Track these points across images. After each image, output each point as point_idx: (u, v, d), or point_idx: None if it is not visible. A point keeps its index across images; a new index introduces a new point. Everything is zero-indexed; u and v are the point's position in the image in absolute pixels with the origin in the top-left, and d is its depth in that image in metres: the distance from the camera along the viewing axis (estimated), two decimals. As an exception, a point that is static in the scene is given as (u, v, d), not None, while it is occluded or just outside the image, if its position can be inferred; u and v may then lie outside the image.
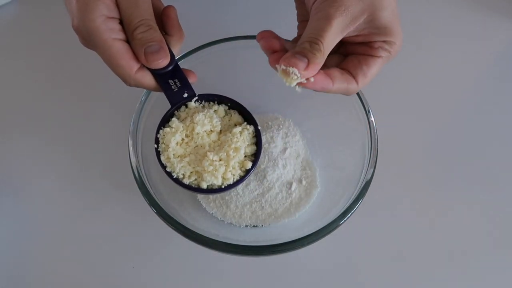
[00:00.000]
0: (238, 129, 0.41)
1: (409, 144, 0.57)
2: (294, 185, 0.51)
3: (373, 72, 0.38)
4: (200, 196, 0.51)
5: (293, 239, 0.40)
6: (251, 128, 0.42)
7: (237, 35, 0.49)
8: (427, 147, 0.57)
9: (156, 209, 0.41)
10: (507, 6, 0.68)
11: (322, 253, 0.50)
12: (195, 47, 0.49)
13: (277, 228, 0.49)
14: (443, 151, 0.57)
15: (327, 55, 0.35)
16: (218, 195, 0.50)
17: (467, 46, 0.65)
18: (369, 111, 0.46)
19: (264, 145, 0.52)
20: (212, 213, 0.50)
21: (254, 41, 0.49)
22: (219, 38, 0.49)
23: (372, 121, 0.46)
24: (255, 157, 0.41)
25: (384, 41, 0.37)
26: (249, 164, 0.40)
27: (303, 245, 0.40)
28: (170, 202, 0.45)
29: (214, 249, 0.40)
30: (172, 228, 0.41)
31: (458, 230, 0.52)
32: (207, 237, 0.41)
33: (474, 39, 0.66)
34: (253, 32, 0.50)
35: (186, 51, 0.48)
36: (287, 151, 0.52)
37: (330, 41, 0.35)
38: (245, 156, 0.41)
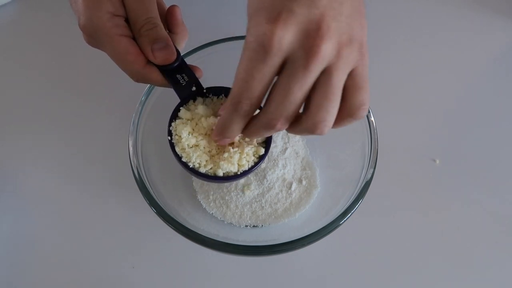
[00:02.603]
0: None
1: (409, 144, 0.57)
2: (294, 185, 0.51)
3: (236, 72, 0.31)
4: (200, 196, 0.51)
5: (293, 239, 0.41)
6: None
7: (237, 35, 0.49)
8: (427, 147, 0.57)
9: (156, 209, 0.41)
10: (507, 6, 0.68)
11: (322, 253, 0.50)
12: (195, 47, 0.49)
13: (277, 228, 0.49)
14: (443, 151, 0.57)
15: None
16: (218, 195, 0.50)
17: (467, 46, 0.65)
18: (369, 111, 0.46)
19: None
20: (212, 213, 0.50)
21: (254, 41, 0.49)
22: (219, 38, 0.49)
23: (372, 121, 0.46)
24: (266, 143, 0.42)
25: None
26: (262, 150, 0.41)
27: (303, 245, 0.40)
28: (170, 202, 0.45)
29: (214, 249, 0.41)
30: (172, 228, 0.41)
31: (458, 230, 0.52)
32: (207, 237, 0.41)
33: (474, 39, 0.66)
34: (253, 32, 0.50)
35: (186, 51, 0.48)
36: (287, 151, 0.52)
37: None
38: (258, 143, 0.42)
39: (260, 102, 0.32)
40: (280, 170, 0.50)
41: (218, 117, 0.36)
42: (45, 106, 0.59)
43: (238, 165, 0.40)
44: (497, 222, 0.53)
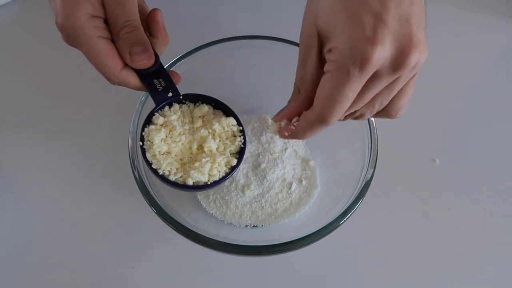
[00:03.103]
0: (217, 125, 0.41)
1: (409, 144, 0.57)
2: (294, 185, 0.51)
3: (324, 92, 0.31)
4: (200, 197, 0.51)
5: (293, 239, 0.41)
6: (235, 127, 0.42)
7: (237, 35, 0.49)
8: (427, 147, 0.57)
9: (156, 209, 0.41)
10: (507, 6, 0.68)
11: (322, 253, 0.50)
12: (195, 47, 0.49)
13: (277, 228, 0.49)
14: (443, 151, 0.57)
15: (304, 88, 0.34)
16: (218, 195, 0.50)
17: (467, 46, 0.65)
18: (369, 111, 0.46)
19: (264, 145, 0.52)
20: (212, 213, 0.50)
21: (254, 41, 0.49)
22: (219, 38, 0.49)
23: (372, 121, 0.46)
24: (240, 154, 0.42)
25: (329, 50, 0.30)
26: (234, 161, 0.41)
27: (303, 245, 0.40)
28: (170, 203, 0.45)
29: (214, 249, 0.41)
30: (172, 228, 0.41)
31: (458, 230, 0.52)
32: (207, 237, 0.41)
33: (474, 39, 0.66)
34: (252, 32, 0.50)
35: (186, 51, 0.48)
36: (287, 151, 0.52)
37: (298, 73, 0.34)
38: (231, 154, 0.42)
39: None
40: (280, 170, 0.50)
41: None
42: (45, 106, 0.59)
43: (209, 175, 0.40)
44: (497, 222, 0.53)
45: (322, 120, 0.32)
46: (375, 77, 0.29)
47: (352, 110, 0.32)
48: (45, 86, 0.61)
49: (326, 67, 0.31)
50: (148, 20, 0.40)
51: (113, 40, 0.37)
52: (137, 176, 0.43)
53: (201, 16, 0.66)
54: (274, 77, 0.51)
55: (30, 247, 0.51)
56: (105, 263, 0.50)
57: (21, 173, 0.55)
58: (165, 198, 0.45)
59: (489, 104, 0.61)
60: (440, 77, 0.62)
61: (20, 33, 0.65)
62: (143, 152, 0.40)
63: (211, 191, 0.50)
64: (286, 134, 0.36)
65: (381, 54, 0.28)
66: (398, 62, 0.28)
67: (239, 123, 0.42)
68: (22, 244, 0.51)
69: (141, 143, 0.40)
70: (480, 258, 0.51)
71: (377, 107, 0.33)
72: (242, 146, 0.42)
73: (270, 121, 0.55)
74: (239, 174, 0.50)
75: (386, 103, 0.33)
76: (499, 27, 0.67)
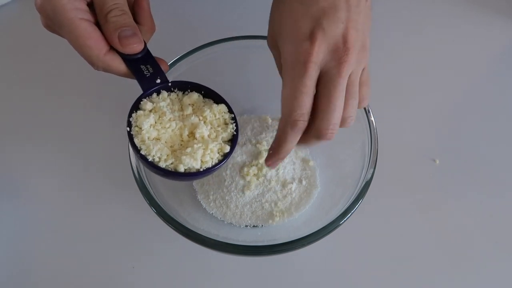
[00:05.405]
0: (208, 112, 0.40)
1: (409, 144, 0.57)
2: (294, 185, 0.51)
3: (283, 95, 0.35)
4: (200, 196, 0.51)
5: (293, 239, 0.41)
6: (227, 115, 0.41)
7: (237, 35, 0.49)
8: (427, 147, 0.57)
9: (156, 209, 0.41)
10: (507, 6, 0.68)
11: (322, 253, 0.50)
12: (196, 46, 0.49)
13: (277, 228, 0.49)
14: (443, 151, 0.57)
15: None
16: (218, 195, 0.50)
17: (467, 46, 0.65)
18: (369, 111, 0.46)
19: (265, 146, 0.52)
20: (212, 213, 0.50)
21: (256, 41, 0.49)
22: (220, 38, 0.49)
23: (372, 121, 0.46)
24: (232, 142, 0.40)
25: (283, 56, 0.36)
26: (227, 148, 0.39)
27: (303, 245, 0.40)
28: (170, 202, 0.45)
29: (214, 249, 0.41)
30: (172, 228, 0.41)
31: (458, 230, 0.52)
32: (207, 237, 0.41)
33: (474, 39, 0.66)
34: (254, 32, 0.50)
35: (187, 51, 0.48)
36: (287, 151, 0.52)
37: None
38: (223, 142, 0.40)
39: (309, 115, 0.35)
40: (280, 170, 0.50)
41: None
42: (45, 106, 0.59)
43: (201, 161, 0.38)
44: (497, 222, 0.53)
45: (289, 123, 0.35)
46: (325, 73, 0.34)
47: (336, 115, 0.35)
48: (45, 86, 0.61)
49: (282, 71, 0.35)
50: (134, 7, 0.39)
51: (97, 24, 0.35)
52: (137, 176, 0.43)
53: (201, 16, 0.66)
54: (274, 77, 0.51)
55: (30, 247, 0.51)
56: (105, 263, 0.50)
57: (21, 173, 0.55)
58: (165, 198, 0.45)
59: (489, 104, 0.61)
60: (440, 77, 0.62)
61: (20, 33, 0.65)
62: (131, 138, 0.38)
63: (211, 191, 0.50)
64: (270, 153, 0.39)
65: (320, 49, 0.33)
66: (338, 58, 0.33)
67: (230, 111, 0.41)
68: (22, 245, 0.51)
69: (128, 129, 0.38)
70: (480, 258, 0.51)
71: (355, 104, 0.36)
72: (235, 133, 0.40)
73: (269, 120, 0.55)
74: (239, 174, 0.50)
75: (357, 100, 0.36)
76: (499, 27, 0.67)
